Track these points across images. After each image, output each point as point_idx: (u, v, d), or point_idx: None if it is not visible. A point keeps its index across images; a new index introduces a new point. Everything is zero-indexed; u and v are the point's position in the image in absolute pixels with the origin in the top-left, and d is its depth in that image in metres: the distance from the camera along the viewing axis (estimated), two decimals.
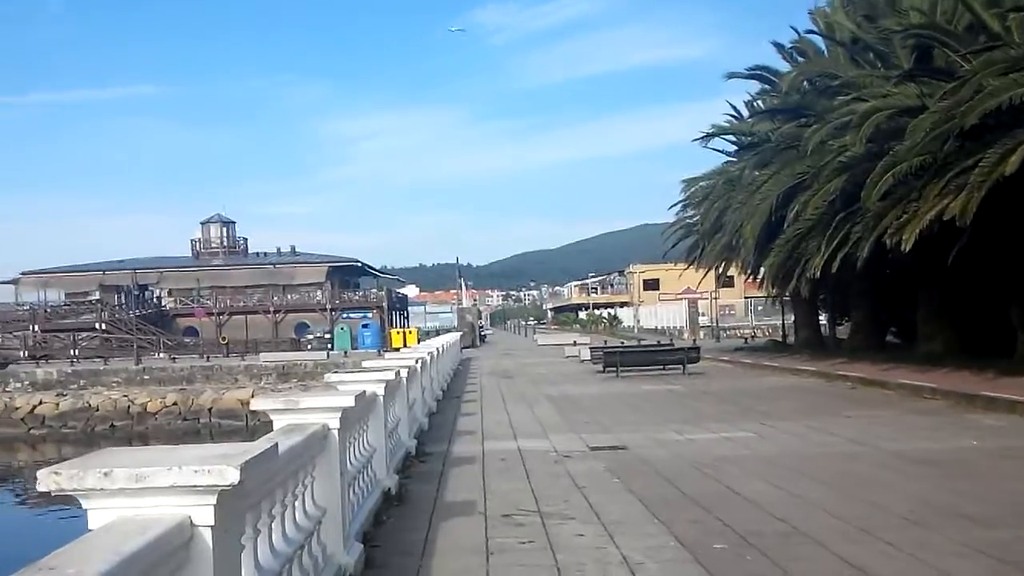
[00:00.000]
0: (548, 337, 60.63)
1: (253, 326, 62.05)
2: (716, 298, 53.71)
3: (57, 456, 31.81)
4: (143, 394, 36.33)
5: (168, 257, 78.37)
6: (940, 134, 16.58)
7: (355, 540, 5.99)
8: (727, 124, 33.25)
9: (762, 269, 29.73)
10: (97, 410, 35.19)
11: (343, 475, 5.58)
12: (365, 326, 56.60)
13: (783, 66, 29.26)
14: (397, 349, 49.26)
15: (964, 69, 16.79)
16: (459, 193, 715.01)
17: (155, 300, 70.30)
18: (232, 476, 2.64)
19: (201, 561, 2.70)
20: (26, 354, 51.40)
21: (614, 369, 24.68)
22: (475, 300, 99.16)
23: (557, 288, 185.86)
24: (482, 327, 77.03)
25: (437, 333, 49.88)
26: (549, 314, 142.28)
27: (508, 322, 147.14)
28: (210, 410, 35.10)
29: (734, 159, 33.10)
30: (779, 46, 29.44)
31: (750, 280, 36.02)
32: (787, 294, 29.84)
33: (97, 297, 66.16)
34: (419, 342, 49.96)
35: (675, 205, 39.63)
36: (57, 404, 35.52)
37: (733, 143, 32.88)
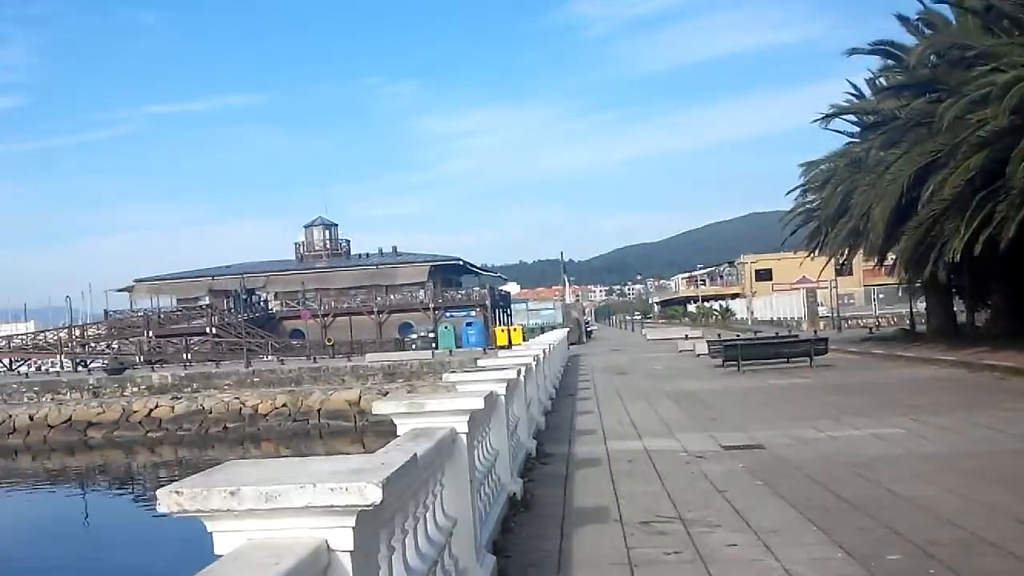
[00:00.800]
0: (657, 331, 59.72)
1: (357, 327, 63.10)
2: (835, 287, 51.59)
3: (174, 458, 33.00)
4: (253, 396, 37.18)
5: (274, 261, 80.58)
6: None
7: (486, 551, 5.64)
8: (847, 103, 31.80)
9: (891, 254, 28.24)
10: (210, 412, 36.19)
11: (472, 482, 5.23)
12: (469, 324, 56.83)
13: (908, 40, 27.70)
14: (502, 347, 49.41)
15: None
16: (558, 188, 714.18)
17: (262, 303, 72.43)
18: (374, 495, 2.28)
19: None
20: (141, 359, 53.69)
21: (735, 363, 23.78)
22: (578, 296, 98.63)
23: (663, 281, 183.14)
24: (588, 323, 76.42)
25: (542, 330, 49.57)
26: (656, 308, 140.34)
27: (613, 317, 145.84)
28: (319, 411, 35.69)
29: (857, 140, 31.61)
30: (903, 19, 27.94)
31: (874, 267, 34.33)
32: (919, 280, 28.24)
33: (207, 302, 68.57)
34: (524, 340, 50.06)
35: (793, 191, 38.13)
36: (172, 407, 36.71)
37: (855, 123, 31.44)
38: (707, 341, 29.01)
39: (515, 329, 54.37)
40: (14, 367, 61.21)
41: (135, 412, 36.51)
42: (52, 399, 38.99)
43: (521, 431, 10.06)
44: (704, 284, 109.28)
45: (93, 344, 64.23)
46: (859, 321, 53.52)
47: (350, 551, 2.37)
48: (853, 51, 28.62)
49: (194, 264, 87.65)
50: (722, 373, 23.25)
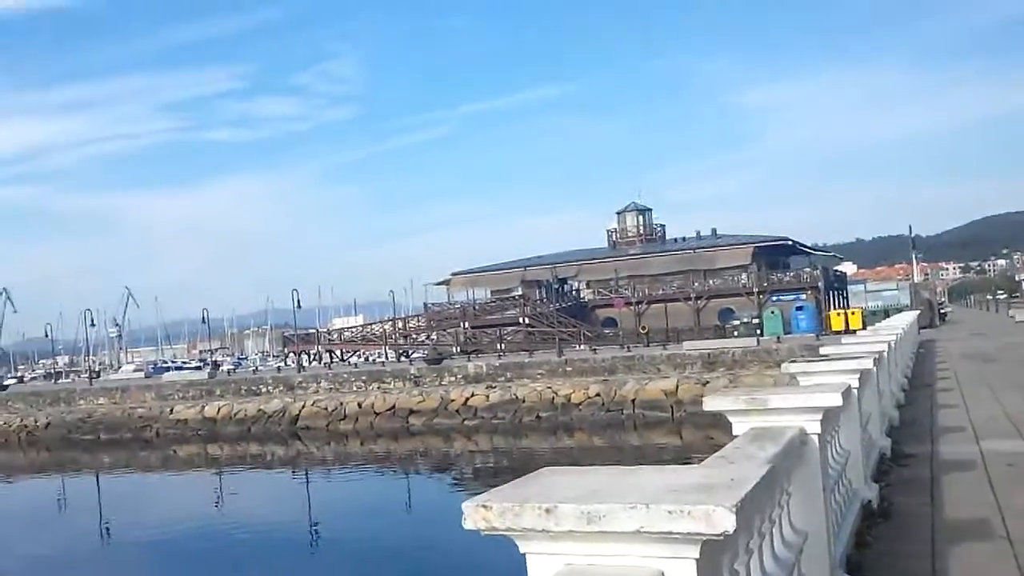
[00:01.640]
0: None
1: (673, 314, 62.72)
2: None
3: (490, 446, 34.62)
4: (566, 385, 38.16)
5: (585, 250, 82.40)
6: None
7: (841, 570, 5.00)
8: None
9: None
10: (523, 401, 37.69)
11: (824, 490, 4.63)
12: (799, 308, 54.44)
13: None
14: (838, 332, 46.90)
15: None
16: (900, 154, 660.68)
17: (574, 292, 74.41)
18: (724, 522, 1.85)
19: None
20: (458, 349, 57.29)
21: None
22: (927, 274, 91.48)
23: None
24: (941, 304, 70.45)
25: (885, 314, 46.17)
26: (1023, 285, 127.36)
27: (970, 297, 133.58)
28: (633, 401, 35.82)
29: None
30: None
31: None
32: None
33: (519, 292, 71.59)
34: (863, 324, 47.00)
35: None
36: (487, 396, 38.70)
37: None
38: None
39: (853, 313, 51.19)
40: (345, 358, 68.31)
41: (452, 401, 39.02)
42: (378, 388, 43.03)
43: (872, 427, 9.13)
44: None
45: (414, 335, 69.79)
46: None
47: None
48: None
49: (507, 256, 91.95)
50: None
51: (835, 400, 4.36)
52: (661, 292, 67.90)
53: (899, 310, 50.13)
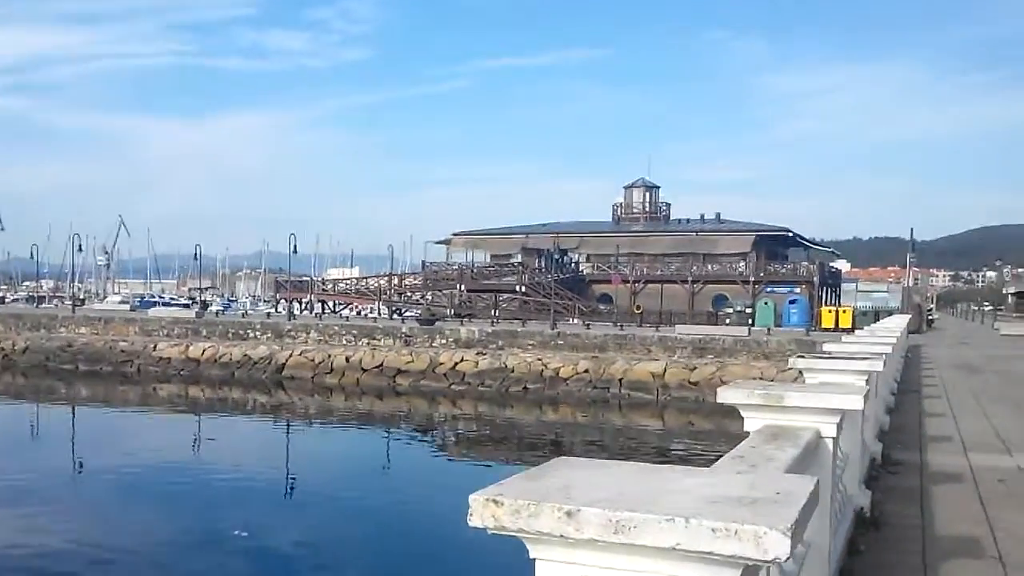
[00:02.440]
0: (1012, 326, 54.02)
1: (668, 296, 62.49)
2: None
3: (474, 412, 34.48)
4: (556, 359, 37.92)
5: (589, 222, 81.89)
6: None
7: None
8: None
9: None
10: (512, 371, 37.45)
11: (832, 499, 4.36)
12: (792, 302, 54.26)
13: None
14: (827, 329, 46.77)
15: None
16: (908, 157, 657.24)
17: (573, 264, 74.03)
18: (778, 548, 1.56)
19: None
20: (452, 312, 56.89)
21: None
22: (918, 279, 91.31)
23: (1022, 270, 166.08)
24: (930, 311, 70.40)
25: (876, 316, 46.03)
26: (1009, 299, 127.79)
27: (956, 306, 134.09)
28: (620, 380, 35.69)
29: None
30: None
31: None
32: None
33: (519, 260, 71.18)
34: (853, 323, 46.89)
35: None
36: (476, 363, 38.39)
37: None
38: None
39: (844, 311, 50.96)
40: (337, 310, 67.56)
41: (441, 364, 38.68)
42: (368, 344, 42.52)
43: (867, 431, 8.88)
44: None
45: (409, 293, 69.26)
46: None
47: None
48: None
49: (511, 220, 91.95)
50: None
51: (856, 403, 4.08)
52: (659, 272, 67.58)
53: (888, 312, 50.04)
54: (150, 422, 32.87)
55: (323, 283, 77.31)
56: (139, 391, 39.00)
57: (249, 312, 64.81)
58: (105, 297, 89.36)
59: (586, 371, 36.55)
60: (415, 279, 72.66)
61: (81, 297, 79.71)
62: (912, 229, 66.75)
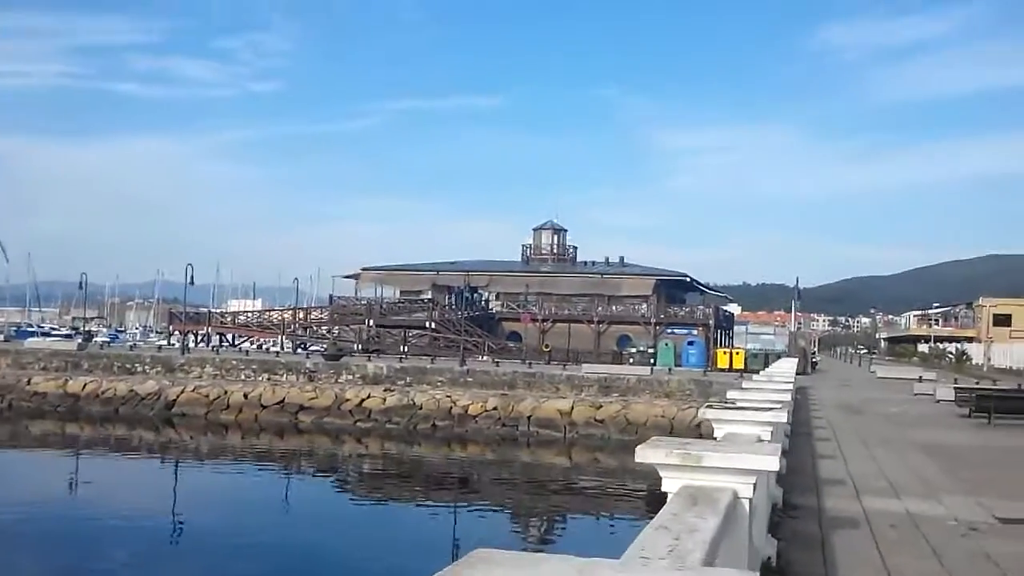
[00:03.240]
0: (886, 369, 56.38)
1: (576, 335, 62.88)
2: None
3: (380, 451, 33.73)
4: (465, 396, 37.48)
5: (499, 261, 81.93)
6: None
7: None
8: None
9: None
10: (420, 408, 36.75)
11: (747, 558, 4.21)
12: (691, 344, 55.27)
13: None
14: (723, 369, 47.79)
15: None
16: (790, 212, 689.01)
17: (483, 303, 73.73)
18: None
19: None
20: (359, 347, 55.75)
21: (985, 415, 21.55)
22: (800, 324, 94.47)
23: (891, 317, 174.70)
24: (814, 354, 72.74)
25: (766, 358, 47.19)
26: (882, 343, 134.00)
27: (836, 349, 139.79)
28: (529, 418, 35.52)
29: None
30: None
31: None
32: None
33: (429, 296, 70.53)
34: (745, 364, 48.03)
35: None
36: (384, 399, 37.53)
37: None
38: (955, 388, 27.02)
39: (737, 353, 52.17)
40: (236, 343, 64.86)
41: (347, 400, 37.54)
42: (268, 379, 40.78)
43: (771, 479, 8.86)
44: (937, 324, 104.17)
45: (315, 327, 67.44)
46: None
47: None
48: None
49: (420, 258, 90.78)
50: (971, 424, 21.18)
51: (772, 464, 3.94)
52: (567, 312, 68.11)
53: (777, 354, 51.38)
54: (19, 461, 30.74)
55: (222, 315, 74.28)
56: (8, 428, 36.06)
57: (138, 344, 60.11)
58: None
59: (495, 408, 36.21)
60: (321, 313, 71.01)
61: None
62: (797, 278, 68.83)
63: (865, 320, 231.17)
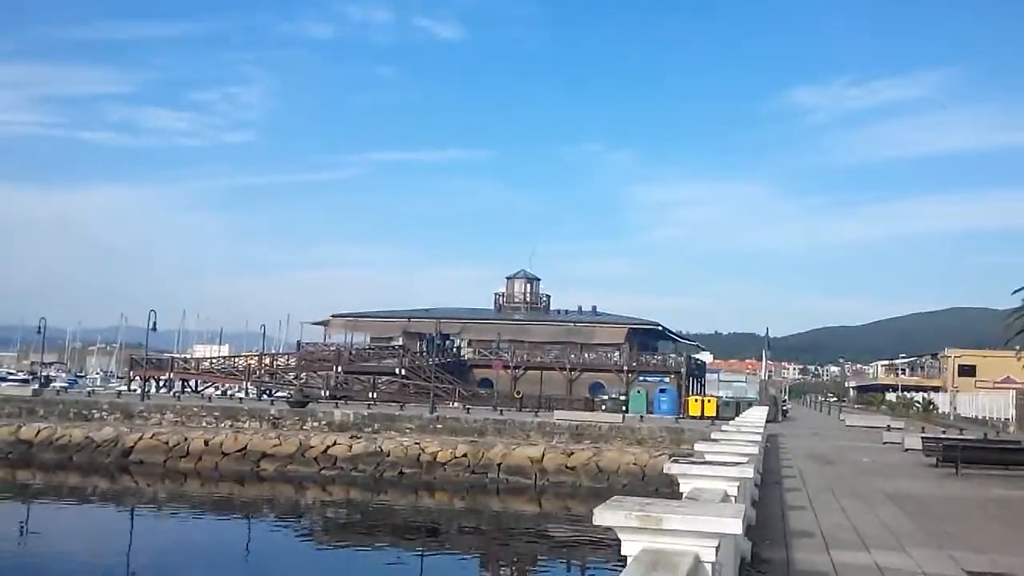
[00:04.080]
0: (855, 418, 56.79)
1: (548, 382, 62.92)
2: None
3: (345, 498, 33.14)
4: (434, 443, 36.99)
5: (471, 308, 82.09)
6: None
7: None
8: None
9: None
10: (388, 455, 36.19)
11: None
12: (663, 391, 55.33)
13: None
14: (695, 417, 47.74)
15: None
16: (760, 264, 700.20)
17: (455, 350, 73.48)
18: None
19: None
20: (327, 394, 55.12)
21: (952, 464, 21.63)
22: (771, 372, 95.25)
23: (860, 366, 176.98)
24: (784, 401, 73.15)
25: (737, 406, 47.25)
26: (851, 392, 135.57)
27: (805, 397, 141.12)
28: (499, 465, 35.16)
29: None
30: None
31: None
32: None
33: (400, 343, 70.16)
34: (717, 411, 48.06)
35: (1020, 290, 35.12)
36: (350, 446, 36.90)
37: None
38: (922, 437, 27.06)
39: (709, 400, 52.28)
40: (199, 389, 63.93)
41: (311, 448, 36.84)
42: (231, 426, 40.02)
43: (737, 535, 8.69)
44: (904, 374, 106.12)
45: (282, 374, 66.63)
46: None
47: None
48: None
49: (392, 304, 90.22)
50: (938, 474, 21.25)
51: (735, 527, 3.78)
52: (539, 359, 68.28)
53: (748, 401, 51.52)
54: None
55: (186, 361, 73.14)
56: None
57: (97, 390, 59.17)
58: None
59: (464, 455, 35.74)
60: (289, 359, 70.34)
61: None
62: (767, 328, 69.70)
63: (834, 369, 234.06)
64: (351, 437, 37.91)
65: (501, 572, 24.21)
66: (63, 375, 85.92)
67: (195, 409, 42.27)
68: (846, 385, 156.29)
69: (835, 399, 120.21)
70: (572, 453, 35.60)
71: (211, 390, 63.92)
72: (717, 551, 3.81)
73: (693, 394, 60.73)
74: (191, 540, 26.20)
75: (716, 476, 6.00)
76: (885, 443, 31.57)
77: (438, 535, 28.41)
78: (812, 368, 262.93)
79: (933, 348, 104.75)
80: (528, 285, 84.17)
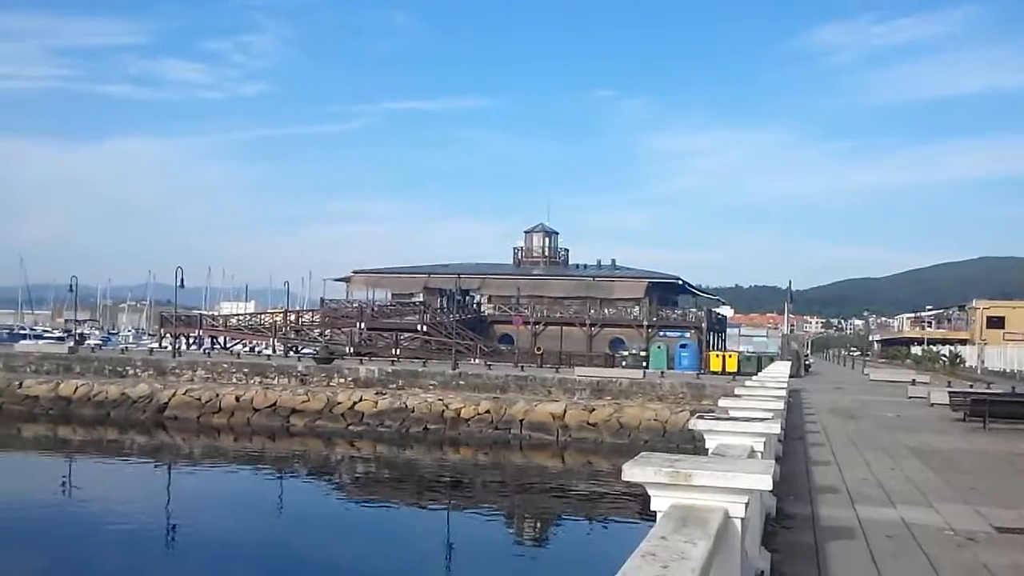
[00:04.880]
0: (880, 372, 56.22)
1: (568, 338, 62.82)
2: None
3: (372, 453, 33.60)
4: (457, 399, 37.25)
5: (490, 264, 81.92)
6: None
7: None
8: None
9: None
10: (412, 411, 36.54)
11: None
12: (683, 346, 55.20)
13: None
14: (716, 372, 47.65)
15: None
16: (782, 214, 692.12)
17: (475, 305, 73.65)
18: None
19: None
20: (351, 350, 55.53)
21: (979, 419, 21.40)
22: (793, 326, 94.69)
23: (884, 319, 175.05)
24: (807, 356, 72.74)
25: (759, 361, 47.08)
26: (875, 346, 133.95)
27: (828, 351, 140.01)
28: (521, 421, 35.34)
29: None
30: None
31: None
32: None
33: (421, 299, 70.39)
34: (738, 367, 47.94)
35: None
36: (376, 403, 37.29)
37: None
38: (949, 391, 26.72)
39: (730, 356, 52.05)
40: (228, 346, 64.76)
41: (339, 404, 37.29)
42: (260, 383, 40.53)
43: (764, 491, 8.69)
44: (930, 326, 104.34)
45: (307, 330, 67.25)
46: None
47: None
48: None
49: (411, 260, 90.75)
50: (965, 428, 21.00)
51: (764, 483, 3.78)
52: (559, 315, 68.10)
53: (770, 356, 51.34)
54: (13, 464, 30.49)
55: (214, 318, 73.92)
56: (1, 432, 35.98)
57: (130, 347, 59.85)
58: None
59: (487, 412, 35.99)
60: (313, 316, 70.86)
61: None
62: (790, 281, 68.86)
63: (858, 322, 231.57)
64: (376, 393, 38.25)
65: (525, 525, 24.47)
66: (96, 332, 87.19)
67: (225, 366, 42.94)
68: (870, 339, 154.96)
69: (859, 353, 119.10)
70: (593, 409, 35.73)
71: (239, 347, 64.69)
72: (746, 507, 3.81)
73: (714, 349, 60.62)
74: (227, 493, 26.88)
75: (742, 432, 5.99)
76: (910, 397, 31.31)
77: (463, 489, 28.76)
78: (835, 322, 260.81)
79: (960, 300, 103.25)
80: (547, 239, 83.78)
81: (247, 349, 63.95)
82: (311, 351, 54.84)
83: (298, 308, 75.99)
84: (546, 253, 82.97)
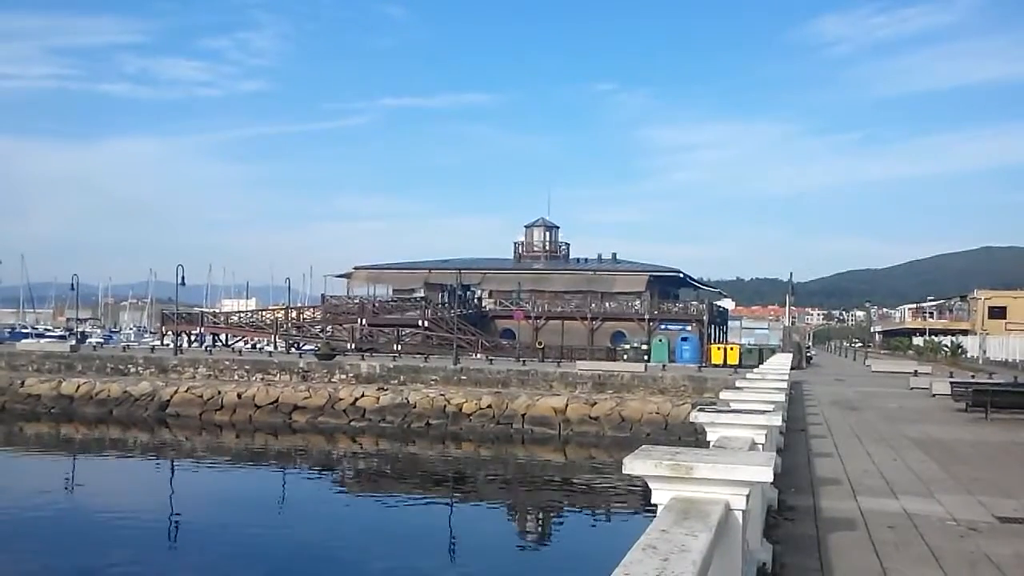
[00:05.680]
0: (881, 363, 56.24)
1: (569, 332, 62.79)
2: None
3: (375, 449, 33.63)
4: (459, 394, 37.30)
5: (491, 259, 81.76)
6: None
7: None
8: None
9: None
10: (414, 407, 36.56)
11: (740, 571, 4.04)
12: (684, 339, 55.21)
13: None
14: (717, 365, 47.69)
15: None
16: (783, 206, 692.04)
17: (476, 300, 73.55)
18: None
19: None
20: (353, 346, 55.54)
21: (981, 409, 21.37)
22: (794, 318, 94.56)
23: (886, 310, 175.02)
24: (808, 348, 72.69)
25: (760, 353, 47.11)
26: (877, 337, 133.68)
27: (830, 343, 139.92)
28: (523, 416, 35.38)
29: None
30: None
31: None
32: None
33: (422, 294, 70.29)
34: (739, 359, 47.99)
35: None
36: (378, 398, 37.33)
37: None
38: (951, 382, 26.75)
39: (731, 348, 52.05)
40: (230, 343, 64.71)
41: (340, 400, 37.30)
42: (262, 379, 40.56)
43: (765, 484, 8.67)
44: (932, 317, 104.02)
45: (308, 327, 67.17)
46: None
47: None
48: None
49: (412, 255, 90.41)
50: (967, 419, 20.92)
51: (765, 475, 3.76)
52: (560, 309, 68.10)
53: (772, 349, 51.35)
54: (14, 463, 30.43)
55: (215, 315, 73.98)
56: (2, 430, 36.00)
57: (131, 345, 59.50)
58: None
59: (489, 406, 36.04)
60: (314, 312, 70.79)
61: None
62: (791, 273, 68.80)
63: (859, 314, 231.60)
64: (378, 389, 38.28)
65: (528, 520, 24.47)
66: (98, 331, 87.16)
67: (227, 363, 42.90)
68: (871, 330, 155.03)
69: (860, 344, 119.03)
70: (595, 403, 35.78)
71: (241, 344, 64.67)
72: (748, 499, 3.79)
73: (715, 342, 60.60)
74: (230, 490, 26.83)
75: (743, 424, 5.97)
76: (912, 388, 31.33)
77: (465, 484, 28.80)
78: (836, 313, 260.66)
79: (962, 290, 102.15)
80: (547, 233, 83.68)
81: (249, 346, 64.00)
82: (312, 347, 54.81)
83: (299, 305, 75.93)
84: (547, 247, 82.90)
